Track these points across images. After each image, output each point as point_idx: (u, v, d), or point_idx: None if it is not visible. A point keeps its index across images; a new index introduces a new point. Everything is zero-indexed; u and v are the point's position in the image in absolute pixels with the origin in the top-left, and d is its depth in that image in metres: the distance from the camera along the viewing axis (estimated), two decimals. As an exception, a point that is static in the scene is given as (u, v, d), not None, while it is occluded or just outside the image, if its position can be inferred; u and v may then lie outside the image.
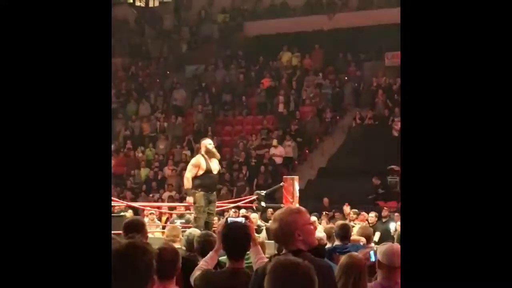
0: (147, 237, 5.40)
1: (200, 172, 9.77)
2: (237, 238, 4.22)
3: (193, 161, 10.08)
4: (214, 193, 10.18)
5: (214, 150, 10.03)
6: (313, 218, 12.78)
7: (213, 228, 8.53)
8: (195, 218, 9.82)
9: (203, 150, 9.92)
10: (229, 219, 4.38)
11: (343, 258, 4.42)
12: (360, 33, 23.67)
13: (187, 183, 9.87)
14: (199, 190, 9.76)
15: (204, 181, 9.80)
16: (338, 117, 22.07)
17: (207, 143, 9.99)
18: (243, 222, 4.33)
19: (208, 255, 4.55)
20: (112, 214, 13.50)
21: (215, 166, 9.96)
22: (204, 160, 9.81)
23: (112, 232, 6.75)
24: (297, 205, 12.16)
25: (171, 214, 14.47)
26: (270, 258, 3.65)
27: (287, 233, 3.65)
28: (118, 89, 26.16)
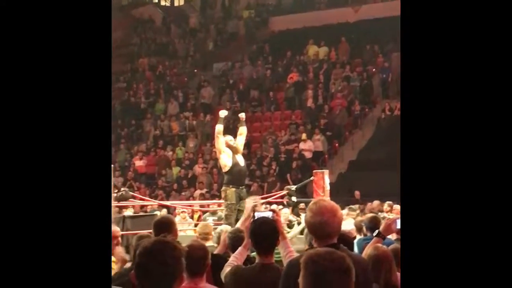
0: (177, 235, 5.41)
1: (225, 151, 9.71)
2: (265, 234, 4.20)
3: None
4: (244, 189, 10.11)
5: (236, 145, 9.94)
6: (345, 211, 12.75)
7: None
8: (226, 216, 9.74)
9: (224, 147, 9.84)
10: (256, 214, 4.36)
11: (370, 251, 4.37)
12: (386, 24, 23.49)
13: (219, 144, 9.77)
14: (230, 186, 9.69)
15: (234, 175, 9.73)
16: (367, 110, 21.92)
17: (228, 139, 9.85)
18: (270, 216, 4.31)
19: (237, 251, 4.55)
20: (145, 214, 13.61)
21: (241, 159, 9.94)
22: (230, 151, 9.78)
23: (146, 231, 6.76)
24: (328, 198, 12.15)
25: (202, 212, 14.50)
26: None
27: (339, 226, 3.60)
28: (146, 89, 26.32)
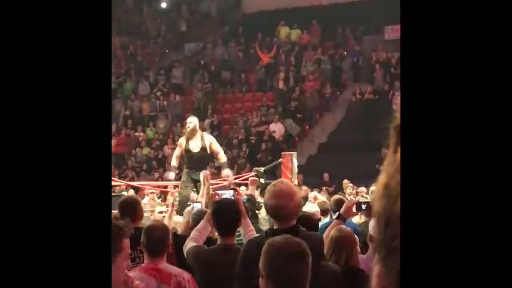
0: (142, 215, 5.37)
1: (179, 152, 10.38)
2: (227, 215, 4.19)
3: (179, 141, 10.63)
4: (201, 172, 9.85)
5: (190, 129, 10.05)
6: (313, 194, 12.78)
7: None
8: (178, 193, 10.44)
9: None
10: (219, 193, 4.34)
11: (332, 232, 4.38)
12: (359, 7, 23.50)
13: (173, 161, 10.73)
14: (185, 167, 10.32)
15: (185, 160, 10.25)
16: (338, 93, 21.98)
17: (188, 121, 10.18)
18: (231, 195, 4.29)
19: (200, 225, 4.47)
20: (112, 194, 13.55)
21: (195, 145, 9.95)
22: (184, 139, 10.11)
23: (112, 211, 6.69)
24: (296, 181, 12.18)
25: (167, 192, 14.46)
26: (265, 233, 3.61)
27: (296, 209, 3.59)
28: (117, 68, 26.09)
